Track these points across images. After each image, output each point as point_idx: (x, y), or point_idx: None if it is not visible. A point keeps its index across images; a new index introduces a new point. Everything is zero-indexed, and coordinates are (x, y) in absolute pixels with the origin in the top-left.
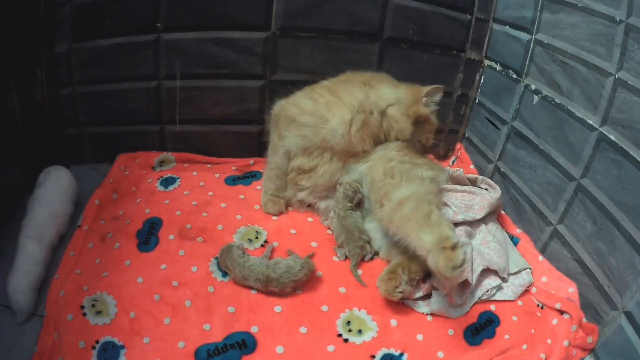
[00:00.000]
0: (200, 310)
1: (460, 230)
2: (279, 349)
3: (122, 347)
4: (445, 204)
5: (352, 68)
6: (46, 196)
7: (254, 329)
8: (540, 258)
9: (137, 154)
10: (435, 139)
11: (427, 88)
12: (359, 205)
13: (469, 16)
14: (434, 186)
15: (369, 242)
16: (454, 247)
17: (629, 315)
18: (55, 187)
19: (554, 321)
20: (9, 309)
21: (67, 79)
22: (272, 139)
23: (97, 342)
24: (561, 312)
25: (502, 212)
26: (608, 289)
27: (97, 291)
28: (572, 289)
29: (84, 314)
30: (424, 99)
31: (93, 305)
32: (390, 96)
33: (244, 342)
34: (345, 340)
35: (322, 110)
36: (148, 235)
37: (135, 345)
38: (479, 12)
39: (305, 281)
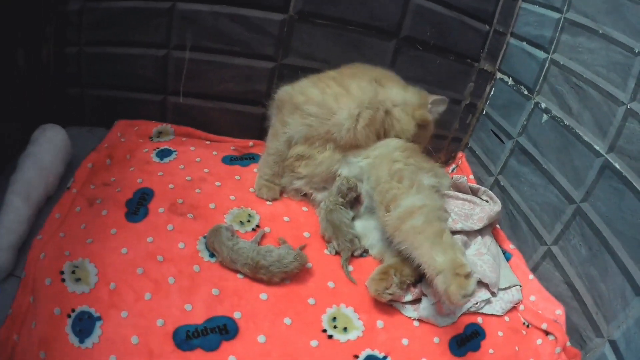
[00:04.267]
0: (183, 289)
1: (457, 239)
2: (261, 338)
3: (99, 318)
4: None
5: (365, 62)
6: (38, 154)
7: (236, 315)
8: (531, 277)
9: (136, 122)
10: (429, 145)
11: (434, 97)
12: (352, 202)
13: (487, 27)
14: (442, 199)
15: (357, 236)
16: (467, 276)
17: (613, 344)
18: (48, 145)
19: (539, 341)
20: None
21: (75, 37)
22: (273, 124)
23: (73, 310)
24: (546, 332)
25: (497, 226)
26: (595, 315)
27: (79, 257)
28: (559, 311)
29: (63, 280)
30: (430, 106)
31: (73, 272)
32: (399, 97)
33: (225, 327)
34: (330, 336)
35: (329, 102)
36: (138, 205)
37: (112, 318)
38: (498, 24)
39: (295, 273)
